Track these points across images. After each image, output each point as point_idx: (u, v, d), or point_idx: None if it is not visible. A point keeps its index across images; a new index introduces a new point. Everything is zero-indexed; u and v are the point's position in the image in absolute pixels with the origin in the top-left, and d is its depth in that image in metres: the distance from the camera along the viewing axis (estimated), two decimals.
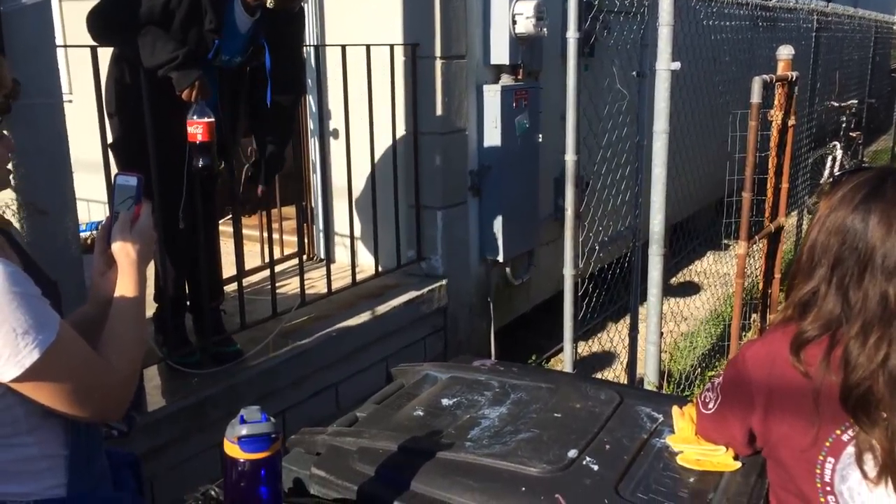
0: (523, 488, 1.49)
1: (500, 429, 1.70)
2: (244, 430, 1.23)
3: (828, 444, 1.30)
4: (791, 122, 4.42)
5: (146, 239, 1.40)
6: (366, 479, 1.59)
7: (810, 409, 1.31)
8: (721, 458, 1.59)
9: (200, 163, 2.57)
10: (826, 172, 7.97)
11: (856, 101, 8.16)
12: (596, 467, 1.55)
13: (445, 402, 1.86)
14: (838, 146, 7.94)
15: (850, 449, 1.29)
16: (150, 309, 2.91)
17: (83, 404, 1.21)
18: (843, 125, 8.11)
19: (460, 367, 2.07)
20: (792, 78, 4.25)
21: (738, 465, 1.58)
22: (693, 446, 1.63)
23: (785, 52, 4.28)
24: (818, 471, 1.31)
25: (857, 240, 1.30)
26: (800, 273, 1.40)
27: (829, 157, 7.93)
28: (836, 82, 7.16)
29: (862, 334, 1.27)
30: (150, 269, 2.69)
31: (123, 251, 1.36)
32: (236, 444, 1.23)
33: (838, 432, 1.30)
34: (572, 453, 1.58)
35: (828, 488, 1.30)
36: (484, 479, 1.52)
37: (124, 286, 1.35)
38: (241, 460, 1.24)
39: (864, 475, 1.28)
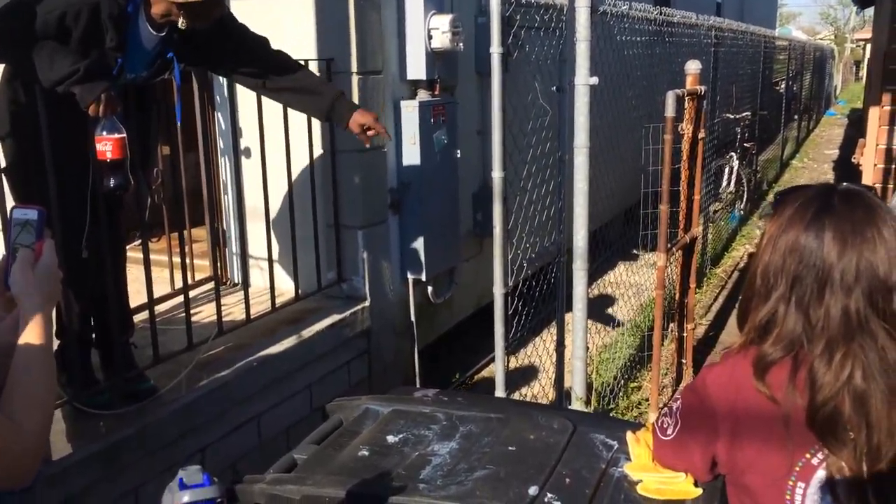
0: None
1: (454, 466, 1.61)
2: (185, 497, 1.09)
3: (797, 468, 1.27)
4: (701, 134, 4.54)
5: (51, 279, 1.25)
6: None
7: (780, 434, 1.28)
8: (681, 486, 1.55)
9: (112, 182, 2.36)
10: (724, 182, 8.30)
11: (749, 113, 8.54)
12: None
13: (391, 438, 1.76)
14: (734, 156, 8.29)
15: (821, 473, 1.27)
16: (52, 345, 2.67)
17: None
18: (738, 136, 8.47)
19: (402, 399, 1.97)
20: (701, 92, 4.37)
21: (699, 491, 1.54)
22: (652, 474, 1.58)
23: (693, 66, 4.39)
24: (788, 496, 1.29)
25: (814, 258, 1.28)
26: (756, 296, 1.37)
27: (727, 167, 8.26)
28: (732, 95, 7.45)
29: (827, 352, 1.25)
30: None
31: (26, 294, 1.21)
32: None
33: (808, 456, 1.28)
34: (533, 490, 1.51)
35: None
36: None
37: (29, 334, 1.19)
38: None
39: (836, 499, 1.26)
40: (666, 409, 1.53)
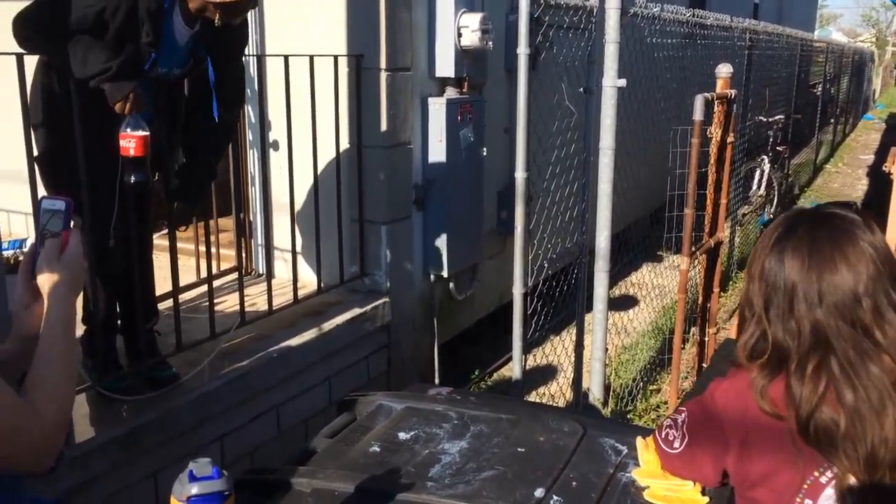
0: None
1: (462, 466, 1.63)
2: (194, 489, 1.12)
3: (806, 486, 1.28)
4: (730, 138, 4.50)
5: (75, 269, 1.28)
6: None
7: (789, 450, 1.29)
8: (689, 494, 1.55)
9: (133, 178, 2.42)
10: (754, 185, 8.21)
11: (782, 116, 8.43)
12: None
13: (402, 435, 1.78)
14: (766, 160, 8.19)
15: (829, 491, 1.27)
16: (79, 331, 2.73)
17: (6, 457, 1.09)
18: (771, 139, 8.36)
19: (415, 396, 2.00)
20: (731, 96, 4.33)
21: (706, 500, 1.54)
22: (660, 481, 1.58)
23: (724, 70, 4.35)
24: None
25: (778, 278, 1.34)
26: (743, 323, 1.43)
27: (758, 171, 8.17)
28: (765, 98, 7.36)
29: (800, 368, 1.29)
30: None
31: (50, 283, 1.24)
32: (185, 503, 1.12)
33: (816, 474, 1.28)
34: (539, 492, 1.52)
35: None
36: None
37: (52, 322, 1.23)
38: None
39: None
40: (669, 420, 1.54)
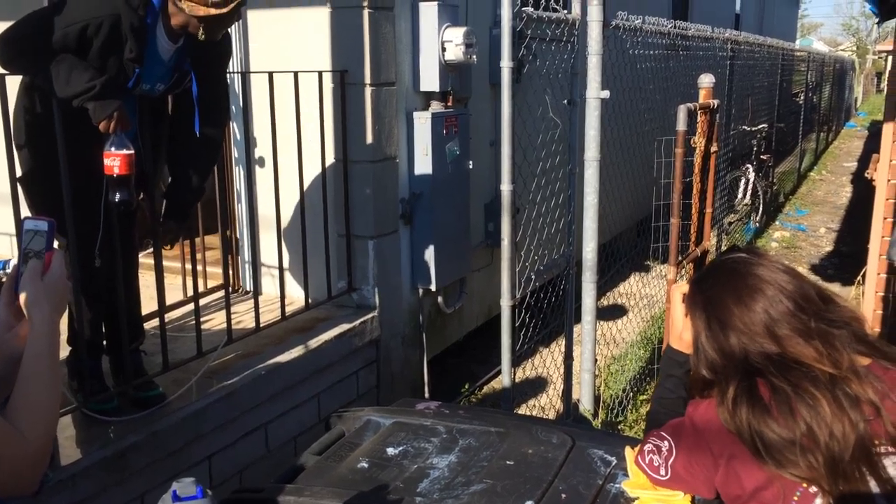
0: None
1: (451, 480, 1.63)
2: None
3: (795, 498, 1.28)
4: (713, 148, 4.53)
5: (59, 289, 1.27)
6: None
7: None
8: (679, 503, 1.55)
9: (118, 197, 2.40)
10: (740, 194, 8.27)
11: (766, 126, 8.50)
12: None
13: (391, 451, 1.77)
14: (750, 169, 8.25)
15: (818, 502, 1.27)
16: (64, 352, 2.71)
17: None
18: (755, 148, 8.43)
19: (404, 411, 1.99)
20: (713, 105, 4.36)
21: None
22: (649, 492, 1.58)
23: (706, 80, 4.38)
24: None
25: (700, 316, 1.49)
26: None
27: (743, 180, 8.23)
28: (748, 108, 7.42)
29: (722, 390, 1.39)
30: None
31: (34, 304, 1.23)
32: None
33: (804, 485, 1.28)
34: None
35: None
36: None
37: (36, 344, 1.22)
38: None
39: None
40: (651, 446, 1.53)
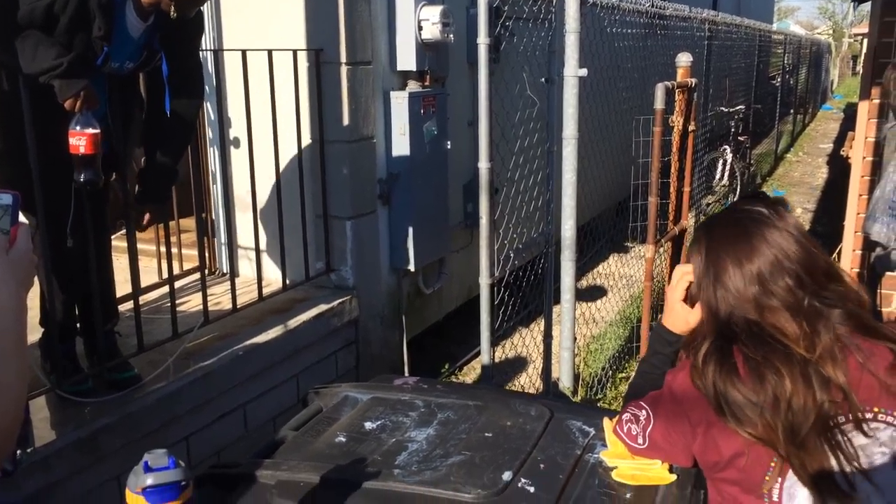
0: None
1: (430, 452, 1.62)
2: (149, 480, 1.09)
3: (773, 463, 1.28)
4: (691, 127, 4.54)
5: (25, 265, 1.24)
6: None
7: None
8: (656, 472, 1.56)
9: (83, 177, 2.35)
10: (717, 175, 8.32)
11: (743, 107, 8.54)
12: (532, 489, 1.49)
13: (369, 425, 1.76)
14: (728, 150, 8.30)
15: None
16: (37, 334, 2.67)
17: None
18: (732, 130, 8.47)
19: (382, 386, 1.97)
20: (691, 84, 4.37)
21: (674, 477, 1.55)
22: (627, 461, 1.59)
23: (684, 59, 4.39)
24: (765, 490, 1.29)
25: (699, 267, 1.47)
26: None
27: (720, 161, 8.27)
28: (725, 88, 7.45)
29: (695, 349, 1.39)
30: (34, 289, 2.47)
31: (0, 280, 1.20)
32: (140, 494, 1.09)
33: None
34: (507, 476, 1.51)
35: None
36: None
37: (2, 319, 1.19)
38: None
39: (814, 490, 1.26)
40: (628, 415, 1.53)
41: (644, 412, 1.50)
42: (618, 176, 5.13)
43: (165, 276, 3.41)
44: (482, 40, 3.02)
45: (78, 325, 2.78)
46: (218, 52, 3.35)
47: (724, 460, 1.33)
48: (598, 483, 1.53)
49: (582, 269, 5.83)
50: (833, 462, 1.23)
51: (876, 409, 1.26)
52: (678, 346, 1.58)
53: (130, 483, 1.10)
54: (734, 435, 1.31)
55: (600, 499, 1.49)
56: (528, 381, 4.21)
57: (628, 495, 1.51)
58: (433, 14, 3.76)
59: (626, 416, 1.55)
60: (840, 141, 14.21)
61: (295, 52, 3.40)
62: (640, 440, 1.50)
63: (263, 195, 3.54)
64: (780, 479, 1.27)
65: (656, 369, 1.62)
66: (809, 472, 1.24)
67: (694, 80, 4.40)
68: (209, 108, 3.76)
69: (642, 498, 1.50)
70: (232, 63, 3.32)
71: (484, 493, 1.46)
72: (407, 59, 3.83)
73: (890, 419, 1.26)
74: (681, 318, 1.54)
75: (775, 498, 1.28)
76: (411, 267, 3.95)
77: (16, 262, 1.23)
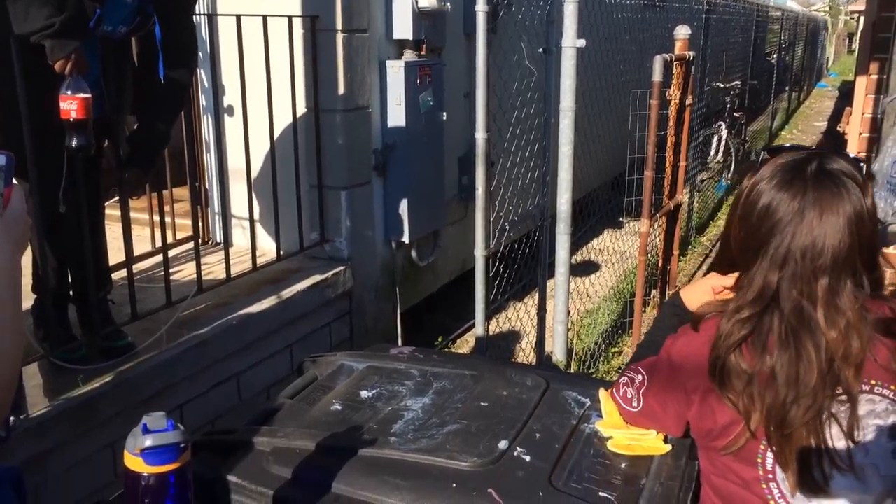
0: (454, 484, 1.41)
1: (425, 421, 1.62)
2: (148, 441, 1.09)
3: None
4: (688, 100, 4.52)
5: (19, 225, 1.22)
6: (282, 482, 1.46)
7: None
8: (651, 442, 1.56)
9: (75, 142, 2.32)
10: (712, 151, 8.30)
11: (739, 83, 8.50)
12: (528, 458, 1.49)
13: (364, 394, 1.76)
14: (723, 126, 8.27)
15: None
16: (29, 301, 2.66)
17: None
18: (728, 105, 8.44)
19: (377, 355, 1.97)
20: (689, 57, 4.34)
21: (668, 447, 1.55)
22: (622, 431, 1.59)
23: (682, 31, 4.36)
24: (759, 459, 1.29)
25: (754, 223, 1.31)
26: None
27: (716, 137, 8.25)
28: (722, 64, 7.41)
29: (735, 313, 1.30)
30: (27, 257, 2.45)
31: None
32: (139, 456, 1.09)
33: None
34: (503, 444, 1.51)
35: (769, 476, 1.28)
36: (411, 477, 1.43)
37: None
38: (146, 475, 1.10)
39: None
40: (626, 378, 1.53)
41: (640, 376, 1.50)
42: (615, 151, 5.11)
43: (159, 244, 3.39)
44: (480, 7, 2.98)
45: (71, 292, 2.76)
46: (212, 17, 3.29)
47: (718, 427, 1.34)
48: (593, 453, 1.54)
49: (576, 244, 5.82)
50: (813, 455, 1.24)
51: (873, 382, 1.26)
52: (687, 319, 1.54)
53: (129, 445, 1.09)
54: (726, 406, 1.31)
55: (595, 468, 1.49)
56: (522, 353, 4.22)
57: (623, 465, 1.51)
58: None
59: (623, 379, 1.55)
60: (835, 119, 14.20)
61: (290, 18, 3.35)
62: (635, 402, 1.50)
63: (257, 164, 3.51)
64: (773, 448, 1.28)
65: (672, 331, 1.55)
66: (787, 456, 1.24)
67: (692, 54, 4.37)
68: (203, 75, 3.72)
69: (637, 468, 1.50)
70: (226, 28, 3.27)
71: (480, 461, 1.46)
72: (403, 28, 3.79)
73: (887, 392, 1.26)
74: (701, 300, 1.50)
75: (769, 467, 1.28)
76: (406, 238, 3.93)
77: (10, 223, 1.21)
